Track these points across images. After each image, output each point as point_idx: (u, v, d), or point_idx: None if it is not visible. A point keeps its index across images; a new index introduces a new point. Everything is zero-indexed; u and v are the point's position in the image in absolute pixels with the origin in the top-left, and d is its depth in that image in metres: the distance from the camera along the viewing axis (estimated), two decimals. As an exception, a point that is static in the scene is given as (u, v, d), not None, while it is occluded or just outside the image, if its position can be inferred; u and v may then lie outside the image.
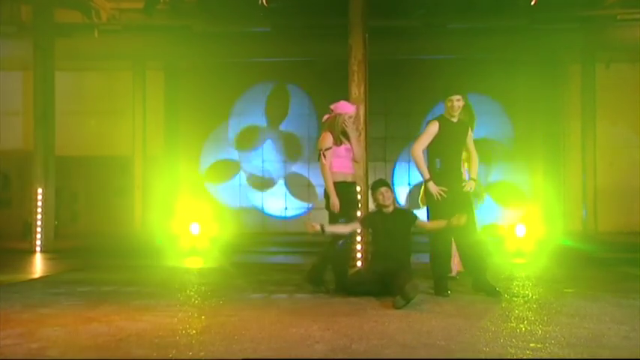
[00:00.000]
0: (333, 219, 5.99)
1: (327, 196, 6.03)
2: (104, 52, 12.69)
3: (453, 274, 6.63)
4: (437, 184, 5.80)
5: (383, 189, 5.95)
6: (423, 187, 6.07)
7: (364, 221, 6.16)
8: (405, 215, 6.09)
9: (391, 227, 5.89)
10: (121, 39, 12.58)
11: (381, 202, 5.93)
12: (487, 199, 13.58)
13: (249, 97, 14.26)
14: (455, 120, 5.92)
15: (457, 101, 5.85)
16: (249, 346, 3.96)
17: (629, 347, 3.97)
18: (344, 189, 6.00)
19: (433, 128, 5.84)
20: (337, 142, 6.03)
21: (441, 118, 5.93)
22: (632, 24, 11.80)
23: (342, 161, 6.03)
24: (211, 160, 14.31)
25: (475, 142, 6.18)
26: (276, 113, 14.25)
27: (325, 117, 6.21)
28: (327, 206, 6.03)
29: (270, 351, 3.87)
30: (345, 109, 6.15)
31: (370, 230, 6.15)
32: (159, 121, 13.82)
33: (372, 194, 6.04)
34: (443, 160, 5.85)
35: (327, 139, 6.01)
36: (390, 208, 5.97)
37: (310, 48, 12.51)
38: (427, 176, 5.82)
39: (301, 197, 14.13)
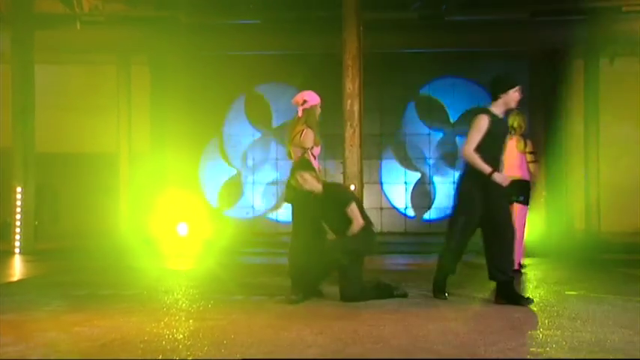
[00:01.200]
0: (300, 215, 5.86)
1: (290, 189, 5.83)
2: (87, 45, 12.62)
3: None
4: (476, 181, 5.50)
5: (298, 173, 5.67)
6: None
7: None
8: (334, 193, 5.76)
9: (321, 210, 5.70)
10: (105, 31, 12.51)
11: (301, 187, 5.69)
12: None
13: (239, 93, 14.23)
14: (501, 116, 5.61)
15: (520, 93, 5.54)
16: (238, 350, 3.96)
17: (633, 352, 4.00)
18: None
19: (483, 123, 5.45)
20: (317, 143, 5.88)
21: (489, 112, 5.54)
22: (638, 16, 11.84)
23: (315, 162, 5.92)
24: (200, 158, 14.29)
25: None
26: (267, 109, 14.23)
27: (301, 110, 5.95)
28: (290, 199, 5.90)
29: (261, 355, 3.88)
30: (317, 99, 5.99)
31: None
32: (144, 117, 13.77)
33: None
34: (486, 158, 5.47)
35: (311, 138, 5.84)
36: (315, 188, 5.67)
37: (302, 41, 12.48)
38: (489, 170, 5.42)
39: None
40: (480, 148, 5.47)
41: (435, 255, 6.01)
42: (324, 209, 5.70)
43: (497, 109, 5.59)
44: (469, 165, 5.56)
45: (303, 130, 5.88)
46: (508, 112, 6.03)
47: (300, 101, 5.99)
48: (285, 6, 11.75)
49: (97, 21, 12.35)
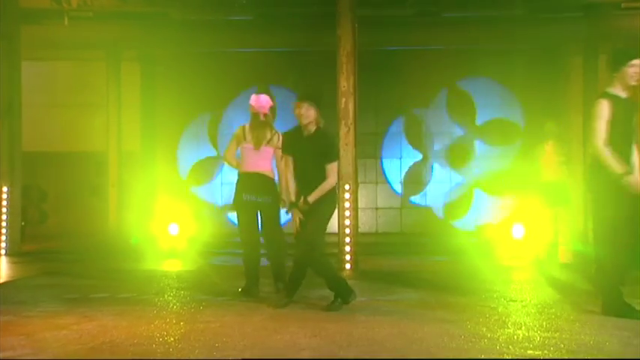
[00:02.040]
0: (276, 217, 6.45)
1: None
2: (75, 41, 12.57)
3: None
4: (606, 173, 5.00)
5: (299, 103, 5.56)
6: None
7: (286, 147, 5.81)
8: (323, 141, 5.57)
9: (305, 150, 5.56)
10: (94, 27, 12.47)
11: (297, 117, 5.63)
12: (480, 196, 13.66)
13: (231, 90, 14.22)
14: (624, 96, 5.16)
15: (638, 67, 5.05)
16: (231, 353, 3.97)
17: (631, 354, 4.03)
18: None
19: (604, 110, 5.07)
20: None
21: (608, 95, 5.16)
22: (637, 12, 11.88)
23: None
24: (191, 157, 14.27)
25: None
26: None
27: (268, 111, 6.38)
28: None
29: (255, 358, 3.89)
30: None
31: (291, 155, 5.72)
32: (135, 115, 13.73)
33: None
34: (616, 145, 5.03)
35: None
36: (311, 128, 5.58)
37: (296, 38, 12.46)
38: (623, 169, 4.95)
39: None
40: (608, 138, 5.03)
41: (431, 256, 6.03)
42: (306, 152, 5.55)
43: (616, 89, 5.19)
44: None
45: (279, 133, 6.35)
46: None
47: (270, 103, 6.44)
48: (278, 2, 11.74)
49: (85, 16, 12.31)
